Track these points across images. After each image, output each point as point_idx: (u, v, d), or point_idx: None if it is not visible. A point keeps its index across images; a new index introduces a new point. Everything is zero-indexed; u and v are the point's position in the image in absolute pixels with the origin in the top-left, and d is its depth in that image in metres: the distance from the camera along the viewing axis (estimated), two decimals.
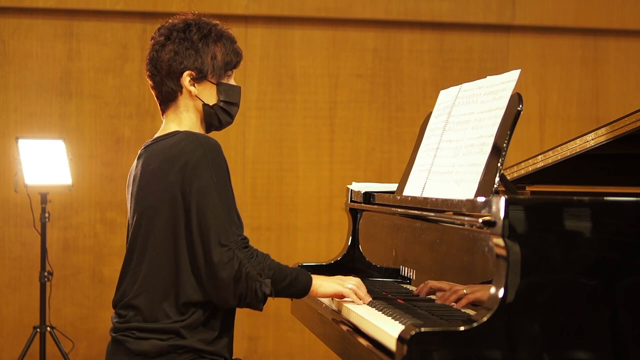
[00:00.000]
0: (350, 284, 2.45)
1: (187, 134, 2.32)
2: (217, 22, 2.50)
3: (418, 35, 5.28)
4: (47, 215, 4.41)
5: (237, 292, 2.24)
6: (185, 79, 2.40)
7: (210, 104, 2.43)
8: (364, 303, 2.43)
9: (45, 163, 4.40)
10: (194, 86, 2.41)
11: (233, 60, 2.46)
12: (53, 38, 5.00)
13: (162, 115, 2.48)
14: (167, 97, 2.43)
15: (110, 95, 5.05)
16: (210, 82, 2.42)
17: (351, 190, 3.06)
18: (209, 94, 2.43)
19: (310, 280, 2.38)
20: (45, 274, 4.39)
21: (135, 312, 2.31)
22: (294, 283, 2.34)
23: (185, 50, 2.39)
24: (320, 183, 5.20)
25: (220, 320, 2.35)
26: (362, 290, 2.45)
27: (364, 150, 5.24)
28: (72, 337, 4.70)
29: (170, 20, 2.47)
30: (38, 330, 4.40)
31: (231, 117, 2.49)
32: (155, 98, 2.47)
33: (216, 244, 2.22)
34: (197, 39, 2.40)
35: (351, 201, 3.06)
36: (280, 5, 5.14)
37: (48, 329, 4.41)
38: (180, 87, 2.41)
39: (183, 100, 2.42)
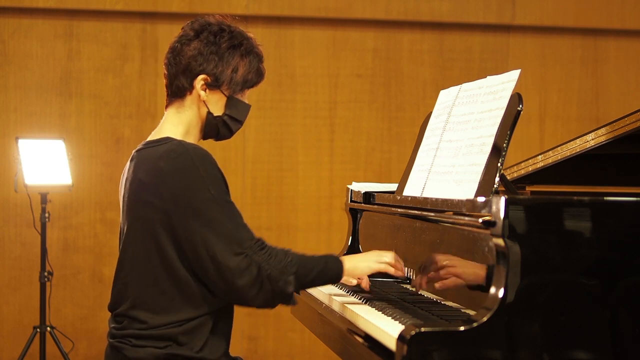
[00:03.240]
0: (385, 258, 2.39)
1: (176, 146, 2.25)
2: (252, 35, 2.44)
3: (418, 35, 5.28)
4: (47, 215, 4.41)
5: (262, 296, 2.20)
6: (199, 81, 2.34)
7: (215, 114, 2.37)
8: (401, 275, 2.40)
9: (45, 163, 4.40)
10: (205, 91, 2.35)
11: (253, 80, 2.41)
12: (53, 38, 5.00)
13: (166, 107, 2.42)
14: (176, 92, 2.37)
15: (110, 95, 5.05)
16: (222, 92, 2.36)
17: (351, 190, 3.06)
18: (216, 104, 2.37)
19: (341, 265, 2.32)
20: (45, 274, 4.39)
21: (131, 320, 2.28)
22: (323, 272, 2.28)
23: (210, 54, 2.33)
24: (320, 183, 5.20)
25: (219, 326, 2.30)
26: (400, 263, 2.41)
27: (364, 150, 5.24)
28: (72, 337, 4.69)
29: (207, 18, 2.41)
30: (38, 330, 4.39)
31: (231, 133, 2.44)
32: (165, 87, 2.41)
33: (230, 255, 2.17)
34: (225, 47, 2.35)
35: (351, 201, 3.06)
36: (280, 5, 5.14)
37: (48, 329, 4.40)
38: (191, 87, 2.35)
39: (189, 101, 2.36)
